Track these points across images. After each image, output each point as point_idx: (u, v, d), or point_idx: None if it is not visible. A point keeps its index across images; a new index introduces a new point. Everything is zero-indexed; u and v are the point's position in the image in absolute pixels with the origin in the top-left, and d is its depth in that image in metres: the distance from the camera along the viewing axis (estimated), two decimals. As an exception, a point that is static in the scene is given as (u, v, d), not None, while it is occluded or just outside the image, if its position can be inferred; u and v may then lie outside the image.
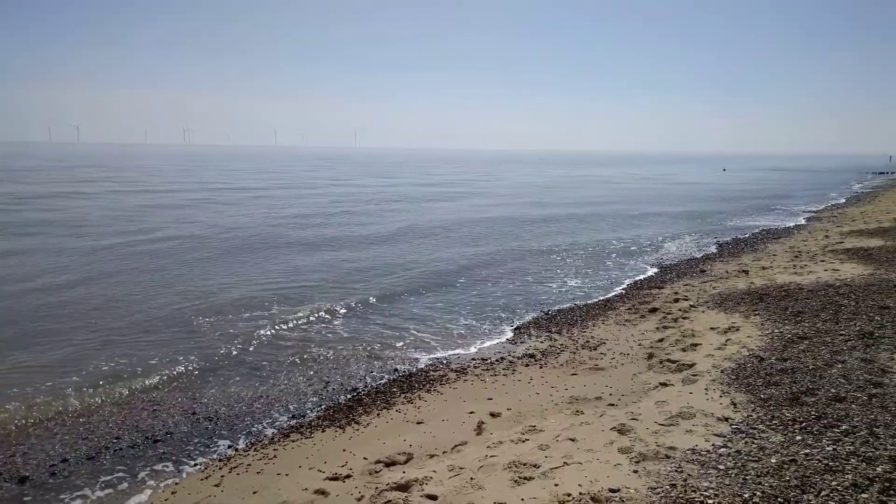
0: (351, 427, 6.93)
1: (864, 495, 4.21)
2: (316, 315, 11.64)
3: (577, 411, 6.72)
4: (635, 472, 4.91)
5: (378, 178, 65.44)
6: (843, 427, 5.35)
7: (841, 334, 8.19)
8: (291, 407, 7.68)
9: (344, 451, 6.32)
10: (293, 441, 6.64)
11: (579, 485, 4.79)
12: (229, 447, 6.63)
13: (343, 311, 11.99)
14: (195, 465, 6.27)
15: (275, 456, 6.28)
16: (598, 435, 5.81)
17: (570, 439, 5.78)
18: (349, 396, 7.93)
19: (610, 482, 4.77)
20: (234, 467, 6.06)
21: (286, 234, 22.19)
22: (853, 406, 5.80)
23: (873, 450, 4.87)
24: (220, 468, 6.07)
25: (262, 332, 10.59)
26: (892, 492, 4.24)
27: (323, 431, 6.86)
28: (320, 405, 7.70)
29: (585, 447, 5.54)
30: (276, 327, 10.85)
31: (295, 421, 7.24)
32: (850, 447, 4.95)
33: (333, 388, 8.23)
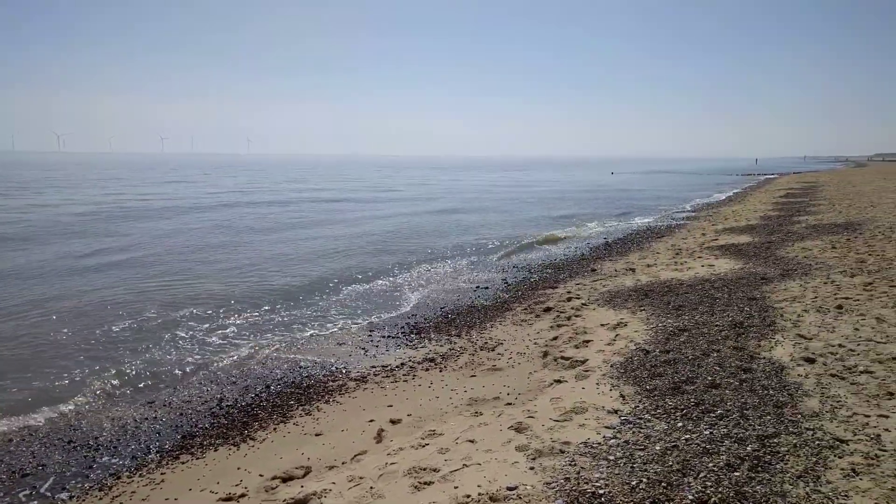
0: (246, 444, 6.67)
1: (735, 474, 4.54)
2: (210, 330, 11.13)
3: (477, 412, 6.81)
4: (532, 468, 5.03)
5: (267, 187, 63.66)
6: (719, 411, 5.75)
7: (716, 325, 8.81)
8: (182, 427, 7.26)
9: (238, 469, 6.06)
10: (183, 463, 6.30)
11: (478, 485, 4.84)
12: (111, 475, 6.17)
13: (238, 324, 11.53)
14: (71, 497, 5.79)
15: (162, 480, 5.93)
16: (496, 434, 5.91)
17: (470, 441, 5.84)
18: (244, 412, 7.62)
19: (508, 480, 4.86)
20: (117, 496, 5.66)
21: (171, 245, 21.10)
22: (727, 391, 6.25)
23: (744, 431, 5.27)
24: (100, 499, 5.64)
25: (150, 348, 9.99)
26: (759, 468, 4.60)
27: (216, 450, 6.56)
28: (214, 423, 7.34)
29: (484, 447, 5.61)
30: (167, 343, 10.27)
31: (185, 441, 6.86)
32: (725, 430, 5.33)
33: (228, 405, 7.87)
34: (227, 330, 11.08)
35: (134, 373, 8.98)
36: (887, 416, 5.39)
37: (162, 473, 6.07)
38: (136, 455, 6.57)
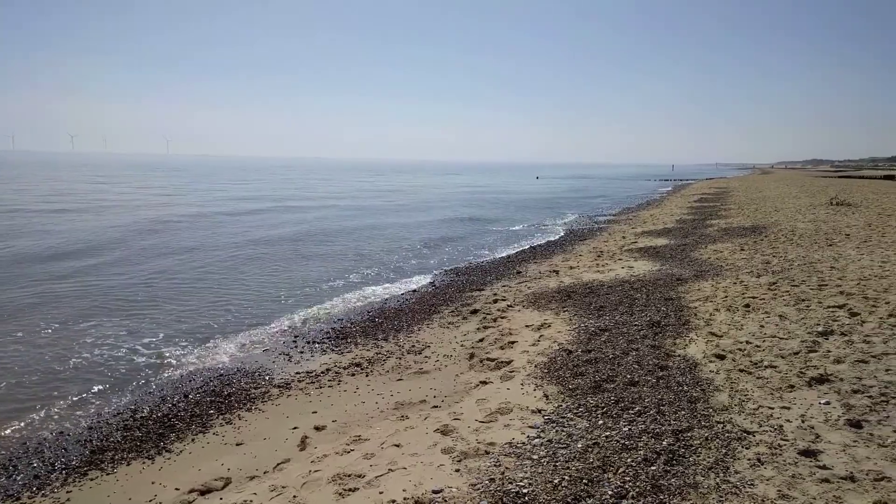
0: (161, 456, 6.37)
1: (652, 468, 4.71)
2: (123, 338, 10.58)
3: (403, 416, 6.78)
4: (457, 471, 5.04)
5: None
6: (637, 408, 5.94)
7: (635, 325, 9.13)
8: (92, 441, 6.83)
9: (153, 483, 5.79)
10: (92, 479, 5.94)
11: (404, 490, 4.81)
12: (8, 496, 5.73)
13: (154, 331, 11.02)
14: (-37, 522, 5.36)
15: (68, 500, 5.58)
16: (422, 438, 5.89)
17: (396, 445, 5.80)
18: (160, 423, 7.26)
19: (433, 483, 4.85)
20: (16, 519, 5.28)
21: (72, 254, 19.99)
22: (644, 389, 6.47)
23: (660, 426, 5.47)
24: (-3, 522, 5.25)
25: (56, 358, 9.39)
26: (674, 462, 4.79)
27: (128, 465, 6.23)
28: (126, 436, 6.95)
29: (410, 451, 5.59)
30: (75, 352, 9.68)
31: (95, 457, 6.46)
32: (643, 426, 5.51)
33: (142, 416, 7.49)
34: (143, 337, 10.56)
35: (37, 385, 8.41)
36: (789, 408, 5.73)
37: (68, 492, 5.71)
38: (39, 474, 6.13)
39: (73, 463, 6.34)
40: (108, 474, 6.04)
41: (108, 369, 9.09)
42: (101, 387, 8.45)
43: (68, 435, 7.02)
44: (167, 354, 9.78)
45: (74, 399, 8.05)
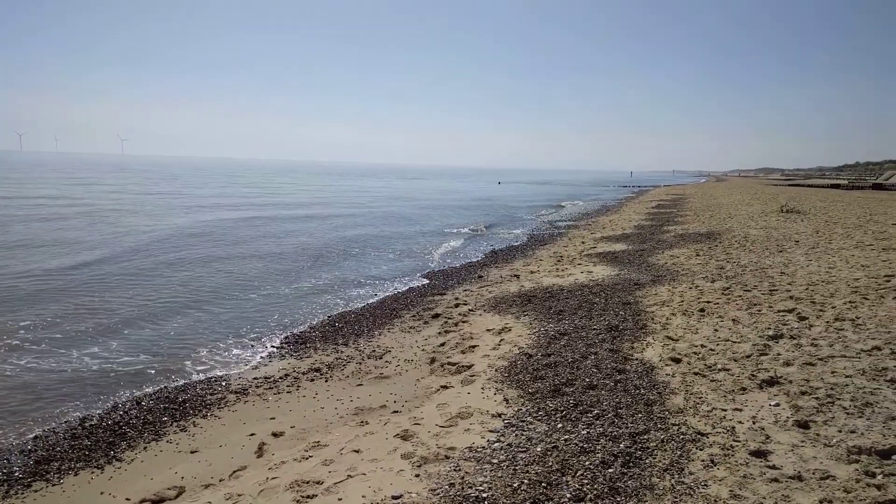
0: (111, 465, 6.17)
1: (610, 470, 4.77)
2: (73, 343, 10.22)
3: (363, 422, 6.72)
4: (417, 476, 5.02)
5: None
6: (595, 412, 6.02)
7: (594, 329, 9.25)
8: (37, 451, 6.57)
9: (102, 493, 5.60)
10: (36, 491, 5.72)
11: (363, 496, 4.77)
12: (-54, 510, 5.48)
13: (106, 336, 10.68)
14: None
15: (11, 512, 5.36)
16: (382, 443, 5.85)
17: (355, 451, 5.75)
18: (111, 431, 7.03)
19: (393, 489, 4.82)
20: (-46, 533, 5.04)
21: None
22: (603, 392, 6.56)
23: (617, 429, 5.55)
24: (-66, 537, 5.01)
25: (1, 366, 9.03)
26: (631, 464, 4.86)
27: (76, 475, 6.01)
28: (74, 445, 6.70)
29: (370, 457, 5.54)
30: (18, 357, 9.31)
31: (40, 467, 6.21)
32: (601, 429, 5.58)
33: (92, 424, 7.24)
34: (93, 346, 10.22)
35: (-20, 393, 8.07)
36: (741, 410, 5.88)
37: (10, 504, 5.49)
38: (-21, 486, 5.88)
39: (16, 474, 6.08)
40: (53, 485, 5.82)
41: (55, 378, 8.75)
42: (48, 395, 8.14)
43: (11, 445, 6.74)
44: (119, 362, 9.49)
45: (18, 409, 7.72)
